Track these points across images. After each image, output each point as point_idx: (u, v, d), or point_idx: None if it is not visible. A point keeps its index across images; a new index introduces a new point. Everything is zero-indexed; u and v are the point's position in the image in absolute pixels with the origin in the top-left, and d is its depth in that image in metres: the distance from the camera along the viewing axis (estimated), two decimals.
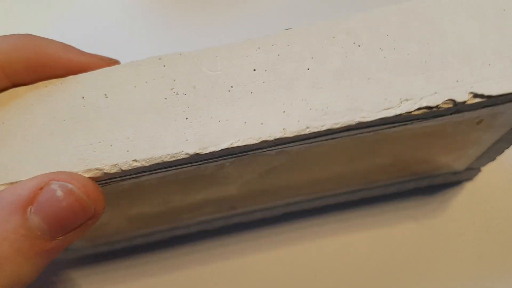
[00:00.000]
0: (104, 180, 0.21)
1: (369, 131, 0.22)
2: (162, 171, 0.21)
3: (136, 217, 0.29)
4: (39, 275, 0.20)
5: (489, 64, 0.21)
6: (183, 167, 0.21)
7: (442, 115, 0.21)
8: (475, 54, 0.21)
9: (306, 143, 0.21)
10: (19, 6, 0.36)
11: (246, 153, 0.21)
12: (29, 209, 0.18)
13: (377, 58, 0.21)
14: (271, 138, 0.20)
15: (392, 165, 0.30)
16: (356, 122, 0.21)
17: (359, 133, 0.22)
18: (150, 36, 0.35)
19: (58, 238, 0.19)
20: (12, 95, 0.21)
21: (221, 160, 0.21)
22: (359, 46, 0.21)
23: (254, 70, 0.21)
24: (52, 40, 0.22)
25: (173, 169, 0.21)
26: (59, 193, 0.19)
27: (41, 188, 0.19)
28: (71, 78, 0.21)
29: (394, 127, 0.22)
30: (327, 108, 0.21)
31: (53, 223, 0.19)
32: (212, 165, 0.22)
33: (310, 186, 0.30)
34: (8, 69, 0.21)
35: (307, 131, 0.20)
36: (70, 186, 0.19)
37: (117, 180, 0.21)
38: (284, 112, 0.21)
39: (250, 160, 0.23)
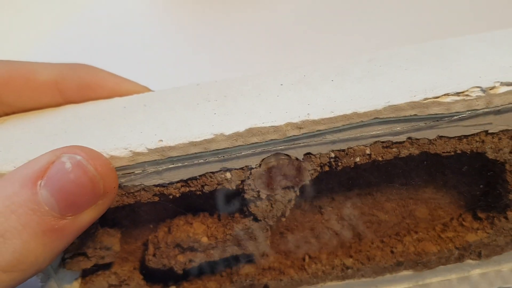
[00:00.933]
0: (130, 169, 0.21)
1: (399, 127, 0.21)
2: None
3: None
4: (50, 263, 0.19)
5: None
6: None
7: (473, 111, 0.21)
8: None
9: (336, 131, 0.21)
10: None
11: (272, 142, 0.21)
12: (39, 182, 0.18)
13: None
14: (296, 121, 0.20)
15: None
16: (382, 107, 0.20)
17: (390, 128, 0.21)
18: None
19: (68, 217, 0.18)
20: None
21: (248, 150, 0.21)
22: (380, 66, 0.23)
23: (281, 84, 0.23)
24: (103, 70, 0.25)
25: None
26: (68, 164, 0.18)
27: (53, 162, 0.18)
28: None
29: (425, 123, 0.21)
30: (351, 99, 0.21)
31: (61, 197, 0.18)
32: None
33: None
34: (63, 86, 0.23)
35: (331, 115, 0.20)
36: (78, 157, 0.18)
37: (140, 174, 0.21)
38: (308, 104, 0.21)
39: None
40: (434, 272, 0.27)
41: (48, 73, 0.23)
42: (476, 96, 0.21)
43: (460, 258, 0.27)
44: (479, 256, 0.27)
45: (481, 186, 0.26)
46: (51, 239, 0.18)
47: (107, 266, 0.25)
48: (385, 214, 0.26)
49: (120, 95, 0.24)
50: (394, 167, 0.25)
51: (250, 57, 0.30)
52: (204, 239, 0.24)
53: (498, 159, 0.23)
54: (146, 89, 0.25)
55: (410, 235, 0.27)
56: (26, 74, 0.23)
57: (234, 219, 0.24)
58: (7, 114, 0.24)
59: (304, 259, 0.27)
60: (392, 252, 0.26)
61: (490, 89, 0.21)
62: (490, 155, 0.23)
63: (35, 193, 0.17)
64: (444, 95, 0.21)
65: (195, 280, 0.26)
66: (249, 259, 0.26)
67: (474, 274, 0.27)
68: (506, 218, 0.25)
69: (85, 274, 0.25)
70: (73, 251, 0.23)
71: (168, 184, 0.22)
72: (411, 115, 0.21)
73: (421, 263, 0.27)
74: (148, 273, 0.26)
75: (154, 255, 0.24)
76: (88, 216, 0.19)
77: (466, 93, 0.21)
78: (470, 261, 0.27)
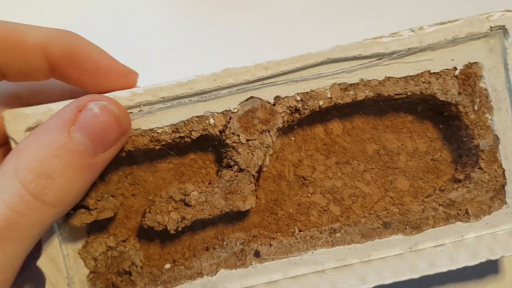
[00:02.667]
0: (129, 109, 0.25)
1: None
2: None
3: None
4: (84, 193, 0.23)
5: None
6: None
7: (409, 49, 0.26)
8: None
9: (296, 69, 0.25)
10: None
11: (245, 82, 0.25)
12: (72, 128, 0.21)
13: None
14: (262, 62, 0.25)
15: None
16: (332, 48, 0.25)
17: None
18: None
19: (100, 154, 0.22)
20: None
21: (225, 90, 0.25)
22: None
23: None
24: (90, 41, 0.25)
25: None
26: (96, 110, 0.22)
27: (80, 110, 0.22)
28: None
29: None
30: (309, 50, 0.26)
31: (94, 137, 0.22)
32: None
33: None
34: (49, 50, 0.24)
35: (291, 56, 0.25)
36: (104, 103, 0.22)
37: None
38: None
39: None
40: (426, 236, 0.27)
41: (37, 36, 0.24)
42: (408, 35, 0.26)
43: (447, 219, 0.27)
44: (467, 215, 0.27)
45: (441, 126, 0.28)
46: (87, 174, 0.22)
47: (106, 229, 0.27)
48: (367, 186, 0.28)
49: (101, 72, 0.25)
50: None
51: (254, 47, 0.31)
52: (194, 192, 0.26)
53: (449, 100, 0.26)
54: (131, 72, 0.26)
55: (394, 204, 0.28)
56: (16, 35, 0.23)
57: (221, 173, 0.27)
58: (8, 79, 0.25)
59: (291, 226, 0.28)
60: (377, 215, 0.27)
61: (419, 29, 0.26)
62: (441, 96, 0.26)
63: (71, 137, 0.21)
64: (380, 36, 0.26)
65: (186, 242, 0.27)
66: (239, 220, 0.27)
67: (469, 238, 0.27)
68: (480, 168, 0.27)
69: (87, 237, 0.27)
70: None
71: (161, 128, 0.26)
72: (356, 55, 0.25)
73: (408, 224, 0.27)
74: (144, 238, 0.27)
75: (149, 211, 0.26)
76: (113, 152, 0.23)
77: (399, 33, 0.26)
78: (460, 223, 0.27)
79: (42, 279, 0.26)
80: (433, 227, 0.27)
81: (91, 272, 0.26)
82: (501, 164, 0.27)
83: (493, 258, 0.27)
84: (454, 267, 0.27)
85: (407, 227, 0.27)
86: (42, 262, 0.25)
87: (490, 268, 0.31)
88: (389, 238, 0.27)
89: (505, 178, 0.27)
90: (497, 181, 0.27)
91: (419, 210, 0.27)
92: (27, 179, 0.20)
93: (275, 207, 0.28)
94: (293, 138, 0.28)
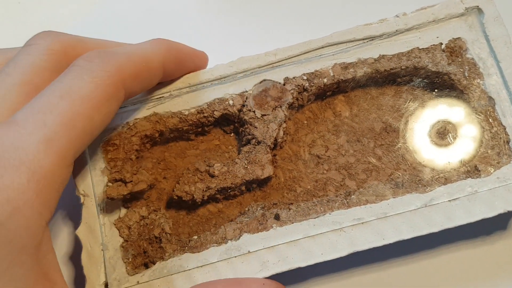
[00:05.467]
0: (161, 94, 0.30)
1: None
2: None
3: None
4: None
5: None
6: None
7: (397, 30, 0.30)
8: None
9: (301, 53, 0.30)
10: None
11: (258, 67, 0.30)
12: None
13: None
14: (271, 49, 0.30)
15: None
16: (330, 34, 0.30)
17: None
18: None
19: None
20: None
21: (241, 74, 0.30)
22: None
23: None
24: (179, 43, 0.29)
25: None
26: None
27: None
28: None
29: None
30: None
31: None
32: None
33: None
34: (166, 66, 0.28)
35: (295, 43, 0.30)
36: None
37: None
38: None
39: None
40: (439, 192, 0.28)
41: (158, 61, 0.27)
42: (394, 20, 0.30)
43: (458, 176, 0.28)
44: (477, 171, 0.28)
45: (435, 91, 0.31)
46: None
47: (140, 202, 0.30)
48: (379, 161, 0.30)
49: (197, 66, 0.30)
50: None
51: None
52: (217, 164, 0.29)
53: (440, 70, 0.29)
54: (205, 55, 0.31)
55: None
56: (147, 66, 0.26)
57: (241, 150, 0.30)
58: (129, 99, 0.28)
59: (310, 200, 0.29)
60: (390, 178, 0.29)
61: (403, 15, 0.30)
62: (432, 67, 0.30)
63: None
64: (370, 23, 0.30)
65: (211, 210, 0.29)
66: (259, 188, 0.29)
67: (483, 192, 0.27)
68: (481, 127, 0.29)
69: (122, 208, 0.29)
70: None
71: (188, 110, 0.30)
72: (351, 38, 0.30)
73: (420, 183, 0.28)
74: (174, 209, 0.30)
75: (178, 182, 0.29)
76: None
77: (386, 20, 0.30)
78: (471, 179, 0.28)
79: (79, 247, 0.28)
80: (445, 184, 0.28)
81: (124, 240, 0.28)
82: (501, 122, 0.29)
83: (510, 208, 0.27)
84: (472, 220, 0.27)
85: (419, 185, 0.28)
86: (80, 231, 0.28)
87: (498, 225, 0.31)
88: (403, 196, 0.28)
89: (507, 134, 0.28)
90: (500, 137, 0.28)
91: (429, 171, 0.28)
92: None
93: (293, 185, 0.30)
94: (305, 122, 0.31)
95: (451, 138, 0.30)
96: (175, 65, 0.29)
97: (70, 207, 0.32)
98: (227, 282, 0.26)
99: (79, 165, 0.29)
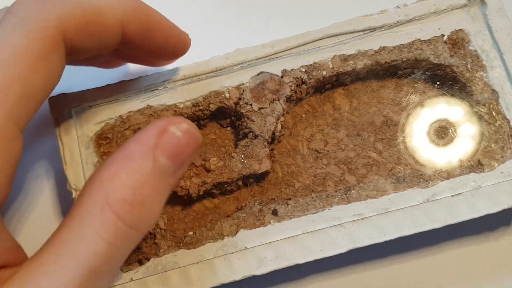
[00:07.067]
0: (155, 86, 0.29)
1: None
2: None
3: None
4: None
5: None
6: None
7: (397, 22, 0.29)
8: None
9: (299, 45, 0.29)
10: None
11: (255, 59, 0.29)
12: (156, 152, 0.20)
13: None
14: (269, 41, 0.29)
15: None
16: (329, 25, 0.29)
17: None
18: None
19: (178, 173, 0.22)
20: None
21: (238, 66, 0.29)
22: None
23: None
24: (158, 12, 0.25)
25: None
26: (178, 133, 0.21)
27: (162, 134, 0.21)
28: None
29: None
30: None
31: (177, 159, 0.21)
32: None
33: None
34: (126, 29, 0.24)
35: (293, 35, 0.29)
36: (185, 126, 0.22)
37: None
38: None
39: None
40: (441, 187, 0.27)
41: (116, 16, 0.23)
42: (395, 11, 0.29)
43: (461, 170, 0.27)
44: (480, 166, 0.27)
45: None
46: (166, 194, 0.22)
47: None
48: (380, 155, 0.29)
49: (170, 41, 0.26)
50: None
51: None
52: (213, 158, 0.28)
53: (442, 63, 0.29)
54: (187, 36, 0.27)
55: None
56: (98, 19, 0.22)
57: (238, 144, 0.29)
58: (76, 58, 0.24)
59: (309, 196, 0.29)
60: (390, 173, 0.28)
61: (404, 6, 0.29)
62: (434, 60, 0.29)
63: (156, 161, 0.20)
64: (370, 14, 0.30)
65: (207, 205, 0.28)
66: (256, 183, 0.29)
67: (486, 186, 0.27)
68: (485, 120, 0.28)
69: None
70: None
71: (183, 103, 0.29)
72: (351, 30, 0.29)
73: (422, 177, 0.27)
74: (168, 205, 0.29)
75: None
76: (186, 167, 0.23)
77: (386, 11, 0.30)
78: (474, 174, 0.27)
79: None
80: (448, 179, 0.27)
81: None
82: (505, 115, 0.28)
83: None
84: (476, 215, 0.26)
85: (421, 180, 0.27)
86: None
87: (502, 220, 0.30)
88: (405, 191, 0.27)
89: (511, 128, 0.28)
90: (504, 131, 0.28)
91: (431, 166, 0.28)
92: (123, 210, 0.19)
93: (291, 180, 0.29)
94: (304, 116, 0.30)
95: (454, 132, 0.29)
96: (140, 31, 0.24)
97: (62, 202, 0.31)
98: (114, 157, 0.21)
99: (71, 158, 0.28)
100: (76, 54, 0.23)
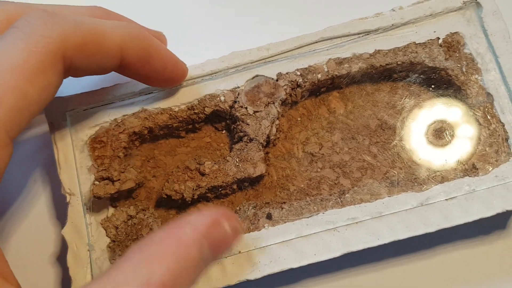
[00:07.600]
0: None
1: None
2: None
3: None
4: None
5: None
6: None
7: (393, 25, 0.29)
8: None
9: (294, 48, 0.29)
10: None
11: (250, 62, 0.29)
12: (203, 242, 0.21)
13: None
14: (264, 44, 0.29)
15: None
16: (324, 29, 0.29)
17: None
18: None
19: (211, 262, 0.22)
20: None
21: (233, 69, 0.29)
22: None
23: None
24: (158, 41, 0.26)
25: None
26: (228, 231, 0.22)
27: (214, 225, 0.21)
28: None
29: None
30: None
31: (217, 252, 0.22)
32: None
33: None
34: (125, 53, 0.24)
35: (288, 38, 0.29)
36: (235, 224, 0.22)
37: None
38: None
39: None
40: (435, 191, 0.27)
41: (115, 40, 0.24)
42: (390, 14, 0.29)
43: (455, 174, 0.27)
44: (475, 169, 0.27)
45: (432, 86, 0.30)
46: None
47: (128, 201, 0.29)
48: (374, 159, 0.29)
49: (168, 69, 0.27)
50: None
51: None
52: (208, 162, 0.28)
53: (437, 66, 0.29)
54: (185, 66, 0.28)
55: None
56: (98, 40, 0.23)
57: (233, 147, 0.29)
58: (74, 76, 0.25)
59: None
60: (385, 177, 0.28)
61: (399, 9, 0.29)
62: (429, 63, 0.29)
63: (201, 252, 0.21)
64: (366, 17, 0.29)
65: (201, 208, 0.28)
66: (251, 187, 0.29)
67: (480, 190, 0.27)
68: (479, 124, 0.28)
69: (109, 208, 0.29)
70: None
71: (178, 106, 0.29)
72: (346, 33, 0.29)
73: (416, 181, 0.27)
74: (163, 209, 0.29)
75: (167, 180, 0.28)
76: None
77: (381, 14, 0.29)
78: (469, 177, 0.27)
79: (66, 247, 0.27)
80: (442, 183, 0.27)
81: (111, 241, 0.27)
82: (499, 119, 0.28)
83: (509, 208, 0.26)
84: (470, 219, 0.26)
85: (415, 184, 0.27)
86: (66, 231, 0.27)
87: (496, 224, 0.30)
88: (399, 195, 0.27)
89: (506, 132, 0.28)
90: (499, 135, 0.28)
91: (426, 169, 0.28)
92: None
93: (286, 183, 0.29)
94: (299, 119, 0.30)
95: (448, 136, 0.29)
96: (139, 57, 0.25)
97: (57, 206, 0.31)
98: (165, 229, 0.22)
99: (65, 162, 0.28)
100: (75, 73, 0.24)
